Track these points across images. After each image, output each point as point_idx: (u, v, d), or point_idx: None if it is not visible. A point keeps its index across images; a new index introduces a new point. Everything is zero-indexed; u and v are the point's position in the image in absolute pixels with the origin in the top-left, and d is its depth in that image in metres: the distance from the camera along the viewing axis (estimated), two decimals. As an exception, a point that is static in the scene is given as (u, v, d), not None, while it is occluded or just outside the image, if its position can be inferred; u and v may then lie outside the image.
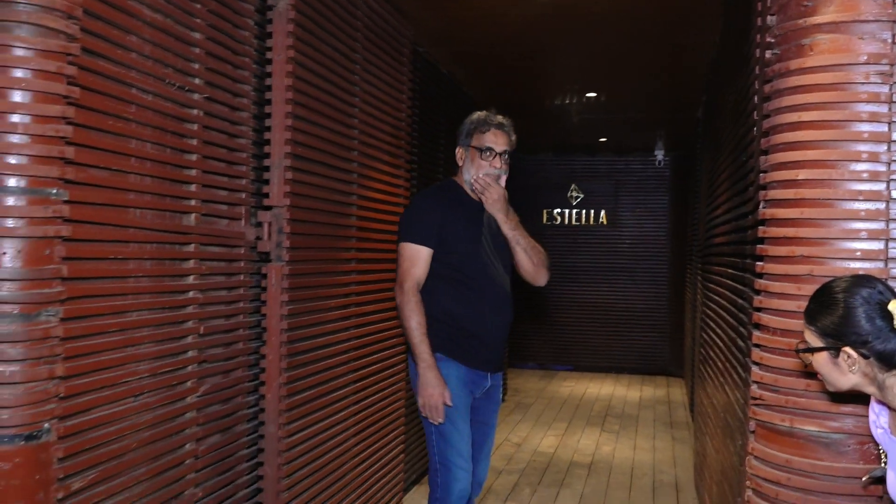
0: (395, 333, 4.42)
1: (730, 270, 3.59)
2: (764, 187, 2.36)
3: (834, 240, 2.17)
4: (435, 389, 3.07)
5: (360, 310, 4.04)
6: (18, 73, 2.03)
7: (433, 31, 5.16)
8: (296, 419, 3.35)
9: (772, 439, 2.29)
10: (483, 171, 3.25)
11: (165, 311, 2.67)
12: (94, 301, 2.33)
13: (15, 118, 2.03)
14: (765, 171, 2.36)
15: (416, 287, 3.15)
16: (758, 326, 2.38)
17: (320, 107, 3.50)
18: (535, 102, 7.75)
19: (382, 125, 4.27)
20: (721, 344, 3.80)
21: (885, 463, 1.88)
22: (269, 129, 3.22)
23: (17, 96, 2.03)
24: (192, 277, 2.82)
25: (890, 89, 2.12)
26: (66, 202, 2.14)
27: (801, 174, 2.20)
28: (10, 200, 2.03)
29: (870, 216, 2.13)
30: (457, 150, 3.37)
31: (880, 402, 1.86)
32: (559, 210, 10.90)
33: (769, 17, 2.40)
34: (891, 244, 2.14)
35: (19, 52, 2.03)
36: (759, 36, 2.66)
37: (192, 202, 2.80)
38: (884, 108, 2.12)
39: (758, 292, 2.38)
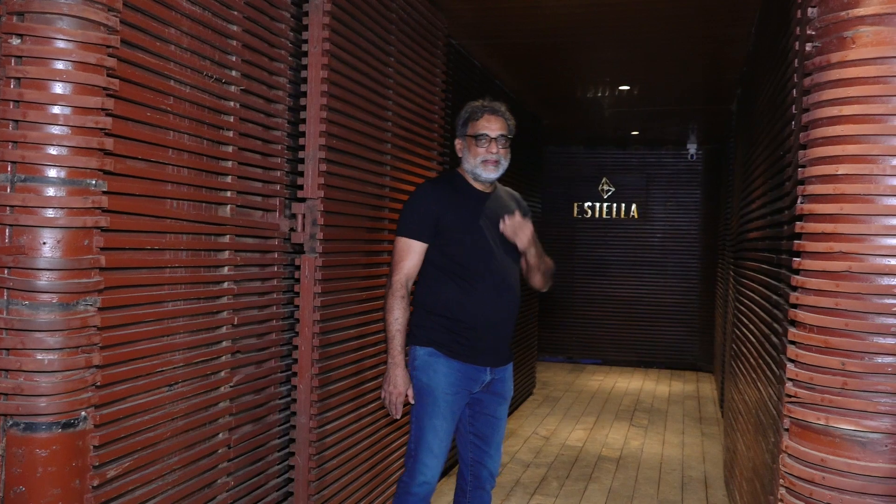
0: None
1: (764, 266, 3.56)
2: (802, 182, 2.33)
3: (874, 236, 2.14)
4: (397, 388, 3.06)
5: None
6: (59, 65, 2.05)
7: (467, 23, 5.15)
8: (327, 410, 3.37)
9: (806, 437, 2.27)
10: (481, 158, 3.19)
11: (200, 302, 2.70)
12: (131, 291, 2.36)
13: (55, 109, 2.05)
14: (803, 166, 2.32)
15: (404, 281, 3.12)
16: (794, 323, 2.35)
17: (355, 99, 3.51)
18: (568, 95, 7.72)
19: (416, 118, 4.27)
20: (754, 340, 3.77)
21: None
22: (303, 121, 3.23)
23: (58, 88, 2.05)
24: (226, 268, 2.84)
25: (933, 84, 2.08)
26: (104, 193, 2.17)
27: (841, 169, 2.17)
28: (51, 191, 2.05)
29: (911, 213, 2.10)
30: (455, 142, 3.33)
31: None
32: (590, 203, 10.85)
33: (810, 10, 2.37)
34: (932, 241, 2.10)
35: (60, 44, 2.05)
36: (798, 28, 2.62)
37: (228, 193, 2.82)
38: (927, 103, 2.08)
39: (794, 288, 2.35)
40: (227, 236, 2.83)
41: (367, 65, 3.62)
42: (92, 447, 2.19)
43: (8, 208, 2.03)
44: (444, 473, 5.33)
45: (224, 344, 2.83)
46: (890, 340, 2.12)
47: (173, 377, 2.55)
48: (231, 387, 2.87)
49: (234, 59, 2.81)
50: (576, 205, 10.87)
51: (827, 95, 2.21)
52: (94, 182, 2.13)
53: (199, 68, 2.61)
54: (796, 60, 2.66)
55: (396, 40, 3.96)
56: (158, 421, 2.48)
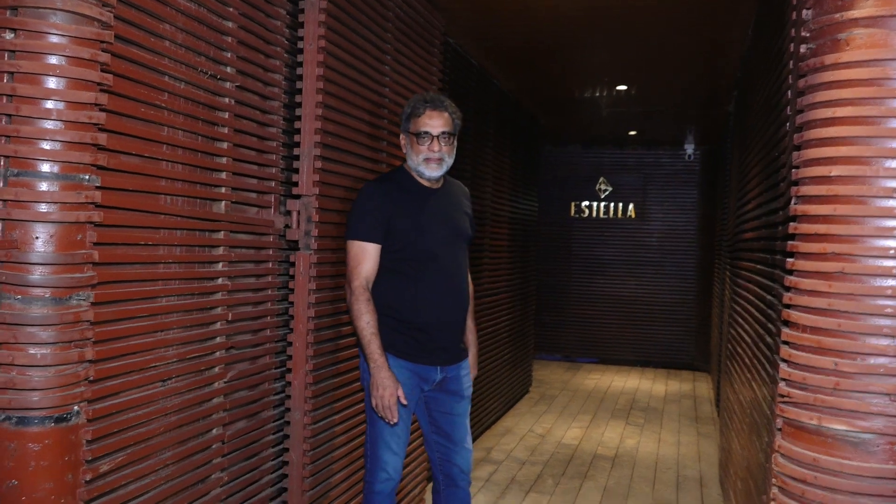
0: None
1: (759, 266, 3.56)
2: (796, 183, 2.33)
3: (867, 237, 2.14)
4: (386, 390, 3.00)
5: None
6: (53, 60, 2.05)
7: (464, 22, 5.15)
8: (321, 406, 3.37)
9: (799, 437, 2.27)
10: (423, 156, 3.14)
11: (194, 297, 2.70)
12: (125, 286, 2.36)
13: (49, 104, 2.05)
14: (797, 167, 2.33)
15: (364, 285, 3.08)
16: (787, 323, 2.35)
17: (350, 97, 3.51)
18: (566, 95, 7.72)
19: (412, 115, 4.26)
20: (749, 340, 3.77)
21: None
22: (299, 118, 3.23)
23: (52, 83, 2.05)
24: (221, 264, 2.84)
25: (927, 85, 2.09)
26: (98, 188, 2.17)
27: (835, 170, 2.18)
28: (44, 186, 2.05)
29: (904, 214, 2.10)
30: (400, 137, 3.28)
31: None
32: (587, 203, 10.86)
33: (804, 12, 2.37)
34: (925, 243, 2.11)
35: (54, 39, 2.05)
36: (793, 30, 2.62)
37: (223, 190, 2.82)
38: (921, 105, 2.09)
39: (788, 289, 2.36)
40: (222, 232, 2.83)
41: (363, 62, 3.62)
42: (85, 442, 2.19)
43: (0, 203, 2.03)
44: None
45: (218, 340, 2.83)
46: (882, 341, 2.12)
47: (167, 372, 2.55)
48: (225, 382, 2.87)
49: (229, 55, 2.81)
50: (573, 204, 10.88)
51: (821, 97, 2.22)
52: (87, 177, 2.13)
53: (193, 64, 2.61)
54: (791, 62, 2.67)
55: (393, 38, 3.95)
56: (152, 416, 2.48)
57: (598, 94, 7.59)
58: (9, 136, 2.02)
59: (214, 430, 2.82)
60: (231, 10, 2.80)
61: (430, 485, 4.93)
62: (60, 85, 2.06)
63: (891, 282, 2.11)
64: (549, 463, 5.89)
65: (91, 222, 2.15)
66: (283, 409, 3.28)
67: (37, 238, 2.05)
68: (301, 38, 3.23)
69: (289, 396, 3.27)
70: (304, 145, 3.23)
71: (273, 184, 3.15)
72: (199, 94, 2.65)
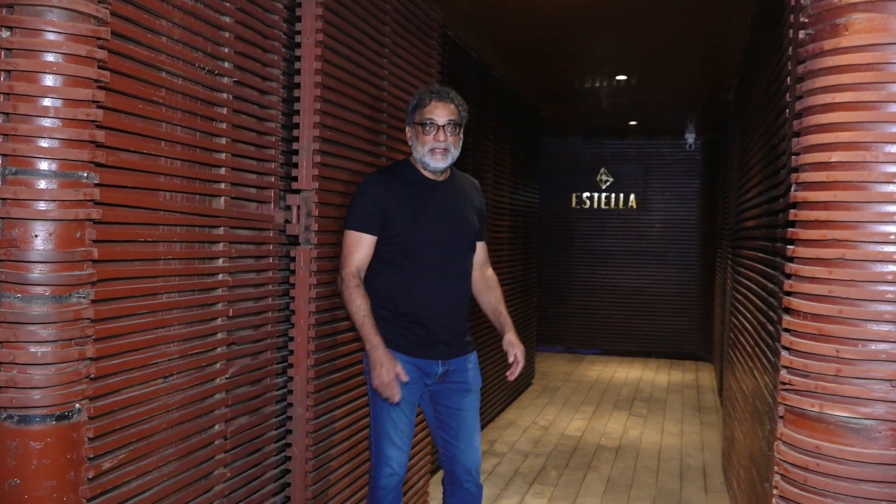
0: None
1: (760, 254, 3.56)
2: (796, 170, 2.33)
3: (867, 223, 2.14)
4: (383, 367, 2.99)
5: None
6: (49, 57, 2.04)
7: (463, 14, 5.14)
8: (323, 401, 3.37)
9: (801, 424, 2.27)
10: (428, 147, 3.14)
11: (195, 294, 2.70)
12: (125, 283, 2.36)
13: (46, 102, 2.04)
14: (797, 154, 2.32)
15: (355, 273, 3.09)
16: (788, 311, 2.35)
17: (349, 90, 3.50)
18: (566, 85, 7.71)
19: (410, 108, 4.26)
20: (750, 328, 3.77)
21: None
22: (297, 112, 3.23)
23: (49, 80, 2.04)
24: (221, 260, 2.84)
25: (926, 70, 2.08)
26: (96, 185, 2.16)
27: (835, 156, 2.17)
28: (42, 183, 2.05)
29: (904, 199, 2.10)
30: (406, 131, 3.28)
31: None
32: (588, 194, 10.85)
33: (803, -3, 2.36)
34: (925, 228, 2.10)
35: (50, 37, 2.04)
36: (792, 16, 2.61)
37: (222, 185, 2.82)
38: (920, 90, 2.08)
39: (788, 276, 2.35)
40: (222, 228, 2.83)
41: (361, 56, 3.61)
42: (86, 439, 2.19)
43: (-1, 201, 2.03)
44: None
45: (219, 336, 2.83)
46: (884, 327, 2.12)
47: (168, 369, 2.55)
48: (227, 378, 2.87)
49: (226, 50, 2.80)
50: (574, 195, 10.87)
51: (820, 83, 2.21)
52: (85, 174, 2.12)
53: (191, 60, 2.60)
54: (790, 48, 2.66)
55: (391, 31, 3.94)
56: (154, 412, 2.48)
57: (598, 85, 7.58)
58: (6, 135, 2.02)
59: (217, 427, 2.83)
60: (228, 4, 2.79)
61: (433, 477, 4.94)
62: (57, 82, 2.05)
63: (891, 267, 2.11)
64: (552, 455, 5.90)
65: (90, 219, 2.15)
66: (285, 405, 3.28)
67: (36, 236, 2.05)
68: (299, 33, 3.22)
69: (291, 391, 3.27)
70: (303, 139, 3.22)
71: (272, 179, 3.15)
72: (197, 90, 2.64)
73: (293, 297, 3.26)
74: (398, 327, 3.15)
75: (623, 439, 6.40)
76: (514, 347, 3.30)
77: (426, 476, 4.60)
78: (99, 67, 2.14)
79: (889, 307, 2.11)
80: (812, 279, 2.23)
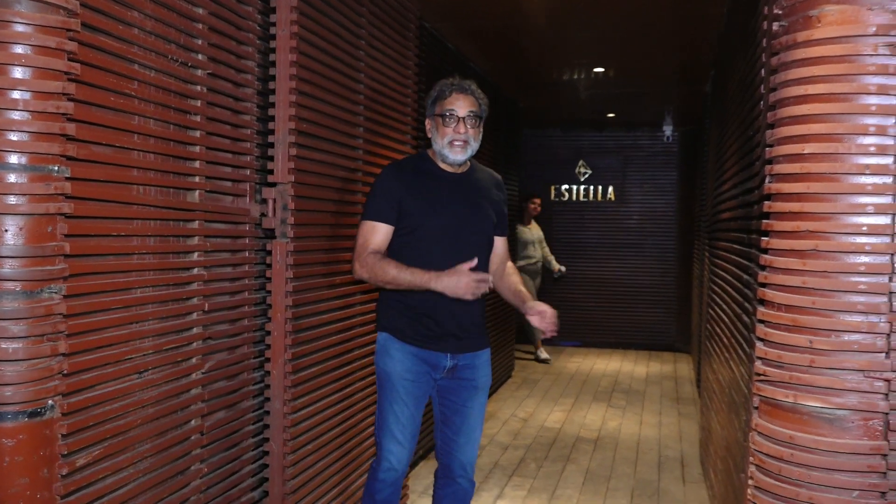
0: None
1: (736, 246, 3.58)
2: (770, 161, 2.34)
3: (840, 214, 2.15)
4: (451, 279, 2.92)
5: (365, 286, 4.04)
6: (18, 49, 2.01)
7: (440, 5, 5.12)
8: (301, 395, 3.36)
9: (775, 415, 2.29)
10: (448, 139, 3.12)
11: (170, 288, 2.67)
12: (98, 278, 2.34)
13: (15, 94, 2.01)
14: (771, 146, 2.33)
15: (372, 251, 3.07)
16: (762, 302, 2.37)
17: (325, 83, 3.48)
18: (544, 78, 7.71)
19: (388, 101, 4.24)
20: (727, 320, 3.79)
21: None
22: (273, 104, 3.20)
23: (17, 72, 2.02)
24: (196, 254, 2.82)
25: (898, 62, 2.09)
26: (68, 179, 2.14)
27: (808, 148, 2.18)
28: (12, 177, 2.02)
29: (877, 190, 2.11)
30: (425, 122, 3.26)
31: None
32: (567, 186, 10.87)
33: (776, -11, 2.37)
34: (898, 219, 2.12)
35: (19, 28, 2.01)
36: (766, 7, 2.62)
37: (196, 179, 2.79)
38: (892, 81, 2.09)
39: (763, 268, 2.37)
40: (197, 222, 2.81)
41: (337, 48, 3.59)
42: (60, 436, 2.17)
43: (-32, 195, 2.00)
44: (423, 457, 5.34)
45: (195, 330, 2.81)
46: (856, 318, 2.14)
47: (143, 364, 2.53)
48: (203, 373, 2.85)
49: (200, 42, 2.77)
50: (553, 188, 10.88)
51: (793, 75, 2.22)
52: (56, 168, 2.10)
53: (164, 52, 2.58)
54: (764, 40, 2.67)
55: (367, 23, 3.93)
56: (129, 408, 2.46)
57: (576, 77, 7.58)
58: (-26, 128, 1.99)
59: (193, 422, 2.81)
60: (200, -4, 2.76)
61: (412, 471, 4.94)
62: (26, 75, 2.03)
63: (864, 258, 2.13)
64: (531, 447, 5.91)
65: (61, 214, 2.12)
66: (262, 399, 3.26)
67: (6, 231, 2.02)
68: (273, 24, 3.20)
69: (268, 386, 3.25)
70: (279, 132, 3.20)
71: (248, 172, 3.13)
72: (170, 83, 2.62)
73: (270, 291, 3.24)
74: (408, 318, 3.14)
75: (602, 431, 6.43)
76: (540, 305, 3.21)
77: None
78: (69, 59, 2.11)
79: (861, 298, 2.13)
80: (786, 270, 2.24)
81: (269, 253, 3.24)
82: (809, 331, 2.19)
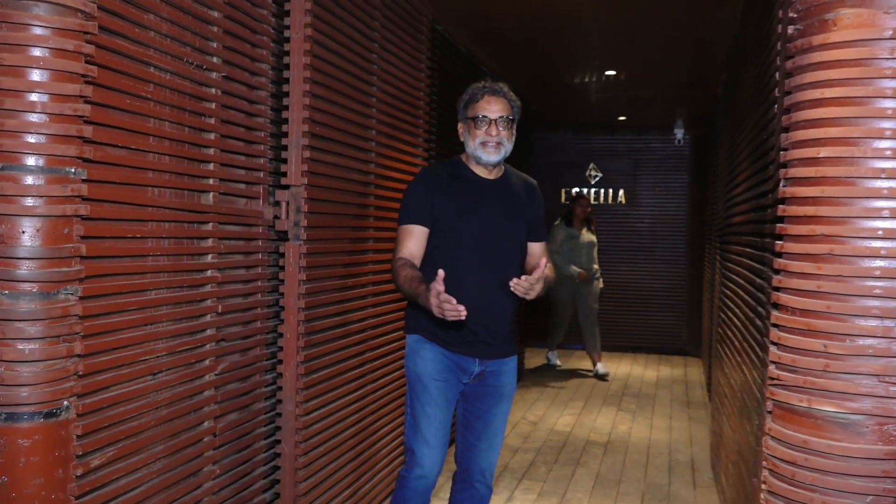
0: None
1: (748, 250, 3.57)
2: (784, 165, 2.33)
3: (855, 218, 2.14)
4: (429, 301, 2.72)
5: (378, 289, 4.05)
6: (36, 52, 2.03)
7: (452, 8, 5.13)
8: (313, 397, 3.37)
9: (789, 420, 2.28)
10: (479, 140, 3.06)
11: (184, 290, 2.69)
12: (113, 279, 2.35)
13: (33, 97, 2.03)
14: (785, 149, 2.33)
15: (406, 257, 3.02)
16: (776, 306, 2.36)
17: (338, 85, 3.50)
18: (555, 81, 7.71)
19: (400, 104, 4.26)
20: (739, 324, 3.78)
21: None
22: (286, 107, 3.21)
23: (35, 75, 2.03)
24: (210, 256, 2.83)
25: (915, 66, 2.09)
26: (84, 181, 2.15)
27: (823, 152, 2.17)
28: (29, 179, 2.04)
29: (892, 194, 2.10)
30: (458, 126, 3.21)
31: None
32: (578, 189, 10.85)
33: (791, -7, 2.37)
34: (913, 223, 2.11)
35: (37, 31, 2.03)
36: (781, 11, 2.62)
37: (211, 181, 2.81)
38: (908, 85, 2.09)
39: (777, 272, 2.36)
40: (210, 224, 2.82)
41: (350, 51, 3.61)
42: (75, 436, 2.18)
43: (-14, 197, 2.01)
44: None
45: (208, 332, 2.82)
46: (871, 322, 2.13)
47: (157, 366, 2.54)
48: (216, 375, 2.86)
49: (215, 45, 2.79)
50: (563, 191, 10.87)
51: (808, 78, 2.21)
52: (73, 170, 2.11)
53: (179, 55, 2.59)
54: (779, 43, 2.66)
55: (380, 26, 3.94)
56: (142, 410, 2.47)
57: (587, 80, 7.58)
58: (-7, 130, 2.01)
59: (206, 423, 2.82)
60: (216, -1, 2.78)
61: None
62: (44, 77, 2.04)
63: (879, 262, 2.12)
64: (541, 450, 5.90)
65: (78, 216, 2.14)
66: (274, 401, 3.27)
67: (23, 232, 2.03)
68: (287, 27, 3.21)
69: (280, 388, 3.26)
70: (292, 135, 3.21)
71: (261, 174, 3.14)
72: (185, 85, 2.63)
73: (282, 294, 3.25)
74: (437, 321, 3.01)
75: (612, 434, 6.42)
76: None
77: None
78: (86, 62, 2.13)
79: (877, 302, 2.12)
80: (800, 275, 2.23)
81: (282, 255, 3.25)
82: (824, 335, 2.18)
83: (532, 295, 2.92)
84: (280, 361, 3.25)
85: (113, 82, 2.28)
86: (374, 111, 3.91)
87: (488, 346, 3.13)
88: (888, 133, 2.09)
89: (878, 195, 2.11)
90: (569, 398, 7.73)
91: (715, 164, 7.81)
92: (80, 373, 2.18)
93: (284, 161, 3.22)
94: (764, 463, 2.37)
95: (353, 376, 3.76)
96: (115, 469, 2.36)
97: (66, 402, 2.14)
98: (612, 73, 7.23)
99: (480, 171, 3.16)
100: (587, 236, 8.79)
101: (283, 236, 3.26)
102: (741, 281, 3.83)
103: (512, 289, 2.88)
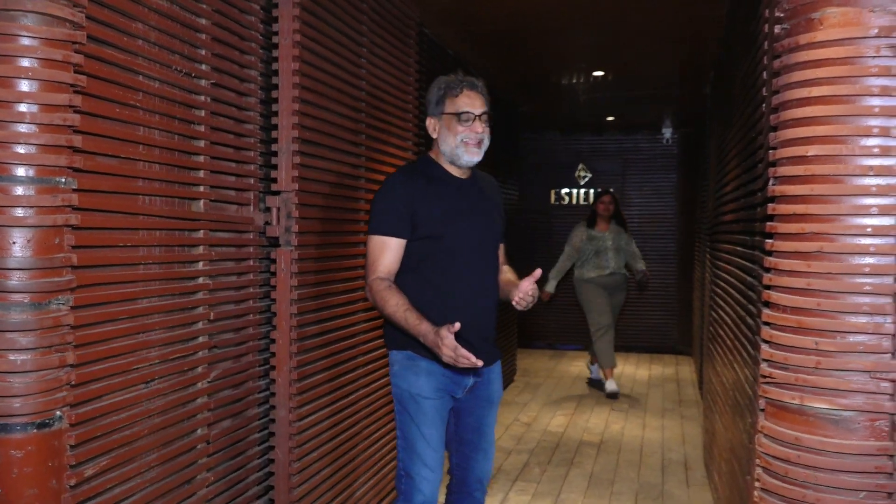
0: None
1: (739, 248, 3.58)
2: (773, 164, 2.35)
3: (844, 216, 2.16)
4: (444, 343, 2.58)
5: (370, 293, 4.05)
6: (25, 63, 2.02)
7: (439, 11, 5.13)
8: (306, 403, 3.36)
9: (781, 417, 2.29)
10: (462, 137, 2.89)
11: (175, 298, 2.68)
12: (104, 289, 2.34)
13: (22, 107, 2.02)
14: (774, 148, 2.34)
15: (383, 277, 2.85)
16: (767, 304, 2.37)
17: (327, 91, 3.49)
18: (543, 82, 7.73)
19: (390, 108, 4.26)
20: (730, 322, 3.80)
21: None
22: (276, 113, 3.21)
23: (24, 85, 2.03)
24: (201, 263, 2.82)
25: (900, 64, 2.10)
26: (74, 191, 2.15)
27: (811, 150, 2.19)
28: (19, 190, 2.03)
29: (881, 192, 2.12)
30: (427, 122, 3.00)
31: None
32: (567, 190, 10.87)
33: (777, -7, 2.38)
34: (902, 220, 2.12)
35: (25, 42, 2.02)
36: (767, 10, 2.63)
37: (201, 188, 2.80)
38: (895, 83, 2.10)
39: (767, 270, 2.37)
40: (201, 231, 2.81)
41: (339, 56, 3.60)
42: (68, 446, 2.17)
43: (-24, 208, 2.01)
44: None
45: (200, 339, 2.82)
46: (862, 319, 2.14)
47: (150, 374, 2.53)
48: (209, 382, 2.86)
49: (203, 52, 2.78)
50: (552, 192, 10.88)
51: (796, 77, 2.23)
52: (63, 180, 2.11)
53: (168, 63, 2.58)
54: (766, 42, 2.68)
55: (368, 31, 3.94)
56: (135, 418, 2.46)
57: (575, 81, 7.60)
58: (-18, 141, 2.00)
59: (199, 431, 2.81)
60: (204, 6, 2.77)
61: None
62: (33, 88, 2.04)
63: (868, 259, 2.13)
64: (534, 451, 5.91)
65: (68, 225, 2.13)
66: (267, 408, 3.26)
67: (14, 243, 2.03)
68: (276, 33, 3.21)
69: (273, 394, 3.25)
70: (282, 140, 3.21)
71: (252, 180, 3.13)
72: (175, 93, 2.62)
73: (274, 300, 3.25)
74: None
75: (605, 434, 6.43)
76: (525, 282, 2.86)
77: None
78: (75, 72, 2.12)
79: (867, 299, 2.13)
80: (791, 272, 2.25)
81: (274, 261, 3.24)
82: (815, 332, 2.19)
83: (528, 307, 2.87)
84: (273, 367, 3.24)
85: (102, 92, 2.28)
86: (364, 115, 3.91)
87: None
88: (875, 130, 2.11)
89: (867, 192, 2.13)
90: (561, 399, 7.74)
91: (704, 163, 7.84)
92: (73, 382, 2.18)
93: (275, 167, 3.22)
94: (757, 460, 2.38)
95: (346, 381, 3.75)
96: (109, 478, 2.35)
97: (58, 413, 2.13)
98: (600, 73, 7.25)
99: (454, 171, 3.01)
100: (613, 236, 7.92)
101: (274, 242, 3.26)
102: (732, 279, 3.85)
103: (515, 305, 2.83)
